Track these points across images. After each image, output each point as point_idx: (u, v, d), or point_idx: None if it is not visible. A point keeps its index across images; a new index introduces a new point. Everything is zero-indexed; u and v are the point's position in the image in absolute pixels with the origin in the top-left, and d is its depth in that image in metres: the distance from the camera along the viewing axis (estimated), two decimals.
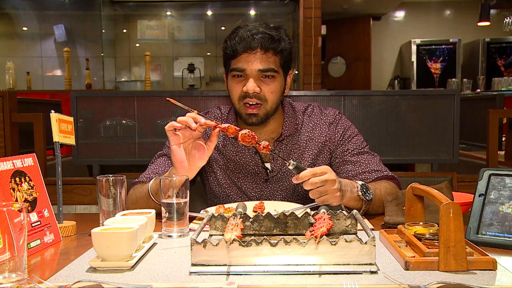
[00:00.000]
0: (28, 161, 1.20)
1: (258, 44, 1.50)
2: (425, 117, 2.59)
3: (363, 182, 1.45)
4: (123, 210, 1.23)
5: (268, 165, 1.64)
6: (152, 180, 1.47)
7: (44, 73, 6.60)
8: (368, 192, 1.42)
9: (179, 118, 1.37)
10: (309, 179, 1.27)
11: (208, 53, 6.91)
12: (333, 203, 1.33)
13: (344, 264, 0.94)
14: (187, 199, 1.25)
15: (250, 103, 1.53)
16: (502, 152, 3.00)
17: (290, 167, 1.29)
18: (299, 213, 1.20)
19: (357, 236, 0.95)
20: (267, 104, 1.55)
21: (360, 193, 1.40)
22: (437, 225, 1.07)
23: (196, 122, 1.36)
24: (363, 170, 1.59)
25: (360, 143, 1.65)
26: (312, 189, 1.29)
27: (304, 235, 1.13)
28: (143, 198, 1.49)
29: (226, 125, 1.34)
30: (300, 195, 1.64)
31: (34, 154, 1.24)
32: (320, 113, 1.69)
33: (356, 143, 1.65)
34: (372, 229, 1.27)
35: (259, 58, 1.51)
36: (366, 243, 0.94)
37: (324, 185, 1.29)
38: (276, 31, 1.55)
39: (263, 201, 1.48)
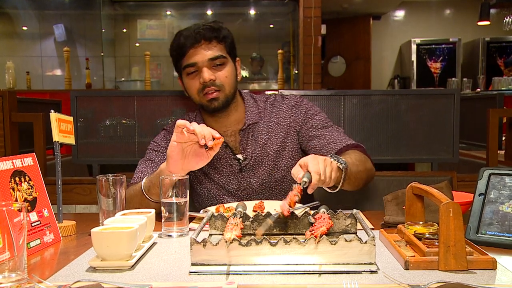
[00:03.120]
0: (27, 161, 1.20)
1: (202, 36, 1.60)
2: (425, 116, 2.59)
3: (331, 154, 1.42)
4: (123, 209, 1.24)
5: (239, 156, 1.68)
6: (144, 178, 1.48)
7: (44, 73, 6.60)
8: (340, 159, 1.39)
9: (199, 130, 1.38)
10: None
11: None
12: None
13: (344, 264, 0.94)
14: (187, 199, 1.26)
15: (209, 92, 1.61)
16: (502, 152, 3.00)
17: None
18: (299, 212, 1.20)
19: (357, 235, 0.95)
20: (225, 89, 1.63)
21: (332, 160, 1.36)
22: (437, 225, 1.07)
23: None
24: (328, 142, 1.64)
25: (323, 119, 1.71)
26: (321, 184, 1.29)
27: (304, 234, 1.13)
28: (137, 196, 1.50)
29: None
30: (277, 179, 1.68)
31: (34, 153, 1.24)
32: (281, 99, 1.76)
33: (320, 119, 1.71)
34: (372, 229, 1.27)
35: (206, 49, 1.61)
36: (366, 242, 0.94)
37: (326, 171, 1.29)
38: (214, 23, 1.66)
39: (262, 201, 1.48)
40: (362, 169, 1.51)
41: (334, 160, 1.39)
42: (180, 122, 1.39)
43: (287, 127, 1.70)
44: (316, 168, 1.27)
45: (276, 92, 1.83)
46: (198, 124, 1.42)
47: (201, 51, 1.60)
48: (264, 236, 0.96)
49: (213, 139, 1.40)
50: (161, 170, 1.45)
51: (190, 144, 1.42)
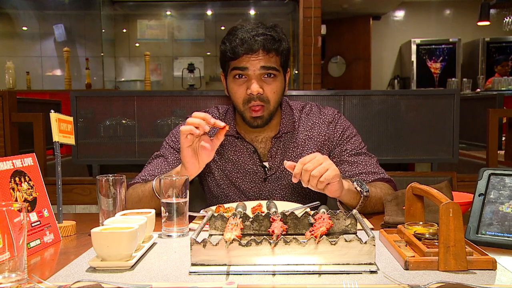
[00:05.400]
0: (27, 161, 1.20)
1: (260, 46, 1.49)
2: (425, 116, 2.59)
3: (356, 178, 1.46)
4: (123, 210, 1.24)
5: (266, 163, 1.64)
6: (155, 179, 1.48)
7: (44, 73, 6.60)
8: (364, 185, 1.43)
9: (192, 120, 1.39)
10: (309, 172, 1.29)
11: (208, 53, 6.92)
12: (334, 184, 1.31)
13: (343, 264, 0.94)
14: (187, 199, 1.25)
15: (255, 104, 1.53)
16: (502, 152, 3.00)
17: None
18: (299, 213, 1.20)
19: (356, 235, 0.95)
20: (270, 105, 1.55)
21: (356, 185, 1.41)
22: (436, 225, 1.07)
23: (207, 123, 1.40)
24: (360, 171, 1.60)
25: (358, 144, 1.65)
26: (313, 182, 1.30)
27: (304, 235, 1.13)
28: (147, 197, 1.50)
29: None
30: (300, 194, 1.64)
31: (34, 154, 1.23)
32: (318, 112, 1.69)
33: (355, 143, 1.65)
34: (372, 229, 1.27)
35: (261, 58, 1.50)
36: (365, 242, 0.94)
37: (319, 164, 1.29)
38: (275, 31, 1.54)
39: (261, 204, 1.47)
40: (381, 202, 1.49)
41: (358, 185, 1.42)
42: (183, 129, 1.40)
43: (321, 144, 1.64)
44: (305, 159, 1.30)
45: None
46: (229, 123, 1.48)
47: (256, 59, 1.50)
48: (264, 236, 0.96)
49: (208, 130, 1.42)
50: (177, 172, 1.47)
51: (196, 141, 1.44)
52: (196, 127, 1.38)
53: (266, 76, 1.53)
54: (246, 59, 1.50)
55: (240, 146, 1.64)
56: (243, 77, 1.53)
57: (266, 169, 1.64)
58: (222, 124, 1.41)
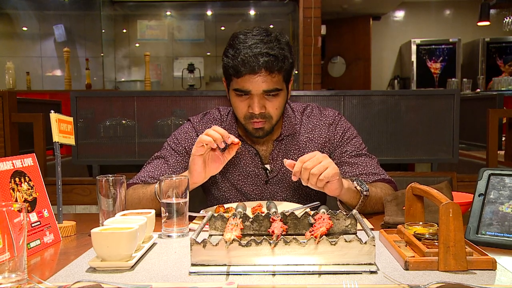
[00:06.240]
0: (27, 161, 1.20)
1: (262, 67, 1.46)
2: (425, 117, 2.59)
3: (356, 178, 1.47)
4: (123, 210, 1.24)
5: (268, 166, 1.64)
6: (158, 183, 1.48)
7: (44, 73, 6.60)
8: (364, 185, 1.43)
9: (212, 133, 1.40)
10: (308, 170, 1.29)
11: (208, 53, 6.91)
12: (334, 182, 1.32)
13: (343, 264, 0.94)
14: (187, 199, 1.26)
15: (257, 121, 1.53)
16: (502, 152, 3.00)
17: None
18: (299, 213, 1.20)
19: (356, 236, 0.95)
20: (272, 119, 1.55)
21: (356, 184, 1.42)
22: (436, 225, 1.07)
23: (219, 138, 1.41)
24: (360, 172, 1.60)
25: (358, 145, 1.65)
26: (312, 180, 1.30)
27: (303, 235, 1.13)
28: (148, 200, 1.50)
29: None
30: (301, 196, 1.64)
31: (34, 154, 1.24)
32: (319, 113, 1.69)
33: (355, 145, 1.65)
34: (372, 229, 1.27)
35: (263, 79, 1.48)
36: (365, 243, 0.94)
37: (318, 162, 1.30)
38: (279, 46, 1.49)
39: (261, 204, 1.47)
40: (381, 202, 1.49)
41: (358, 184, 1.42)
42: (202, 138, 1.39)
43: (321, 146, 1.64)
44: (305, 158, 1.31)
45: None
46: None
47: (258, 80, 1.47)
48: (264, 236, 0.96)
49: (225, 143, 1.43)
50: None
51: (207, 152, 1.44)
52: (214, 140, 1.39)
53: (268, 95, 1.51)
54: (248, 79, 1.48)
55: (241, 148, 1.63)
56: (245, 94, 1.52)
57: (268, 171, 1.63)
58: (236, 140, 1.42)
